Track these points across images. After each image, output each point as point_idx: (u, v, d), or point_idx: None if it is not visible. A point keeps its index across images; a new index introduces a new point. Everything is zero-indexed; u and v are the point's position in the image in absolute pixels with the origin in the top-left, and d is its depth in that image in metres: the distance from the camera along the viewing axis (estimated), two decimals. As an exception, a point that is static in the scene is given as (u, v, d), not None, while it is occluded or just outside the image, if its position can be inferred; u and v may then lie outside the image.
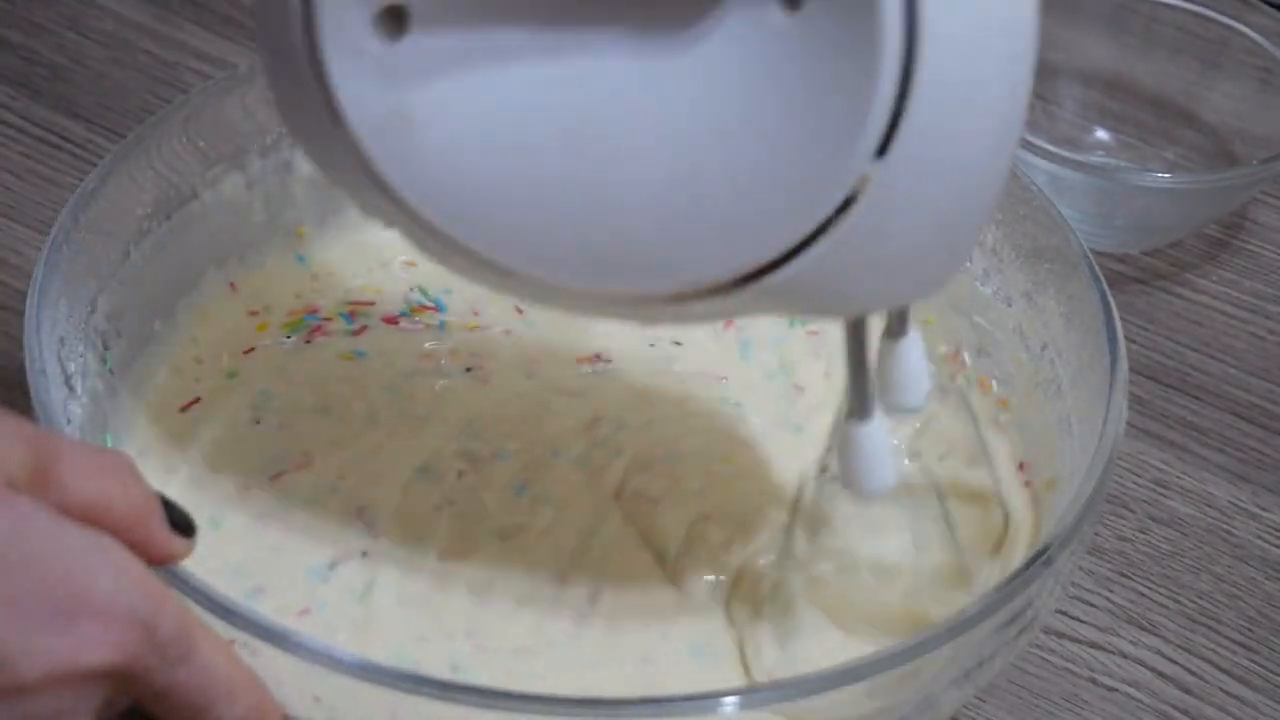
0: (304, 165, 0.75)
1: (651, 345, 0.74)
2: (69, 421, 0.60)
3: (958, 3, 0.47)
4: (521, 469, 0.68)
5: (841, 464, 0.58)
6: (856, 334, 0.56)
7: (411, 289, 0.76)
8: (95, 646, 0.46)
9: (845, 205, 0.48)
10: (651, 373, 0.73)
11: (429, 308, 0.75)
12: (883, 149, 0.48)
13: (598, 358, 0.74)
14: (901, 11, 0.46)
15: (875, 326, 0.57)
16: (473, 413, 0.71)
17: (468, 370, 0.72)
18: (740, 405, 0.72)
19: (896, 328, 0.57)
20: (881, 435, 0.57)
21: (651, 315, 0.55)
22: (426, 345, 0.73)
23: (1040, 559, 0.57)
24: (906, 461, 0.65)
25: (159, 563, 0.50)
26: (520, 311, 0.75)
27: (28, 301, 0.61)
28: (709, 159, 0.49)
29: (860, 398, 0.57)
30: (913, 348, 0.58)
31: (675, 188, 0.50)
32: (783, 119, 0.48)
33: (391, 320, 0.74)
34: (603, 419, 0.71)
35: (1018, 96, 0.50)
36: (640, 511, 0.67)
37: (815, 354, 0.75)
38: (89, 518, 0.48)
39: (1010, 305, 0.72)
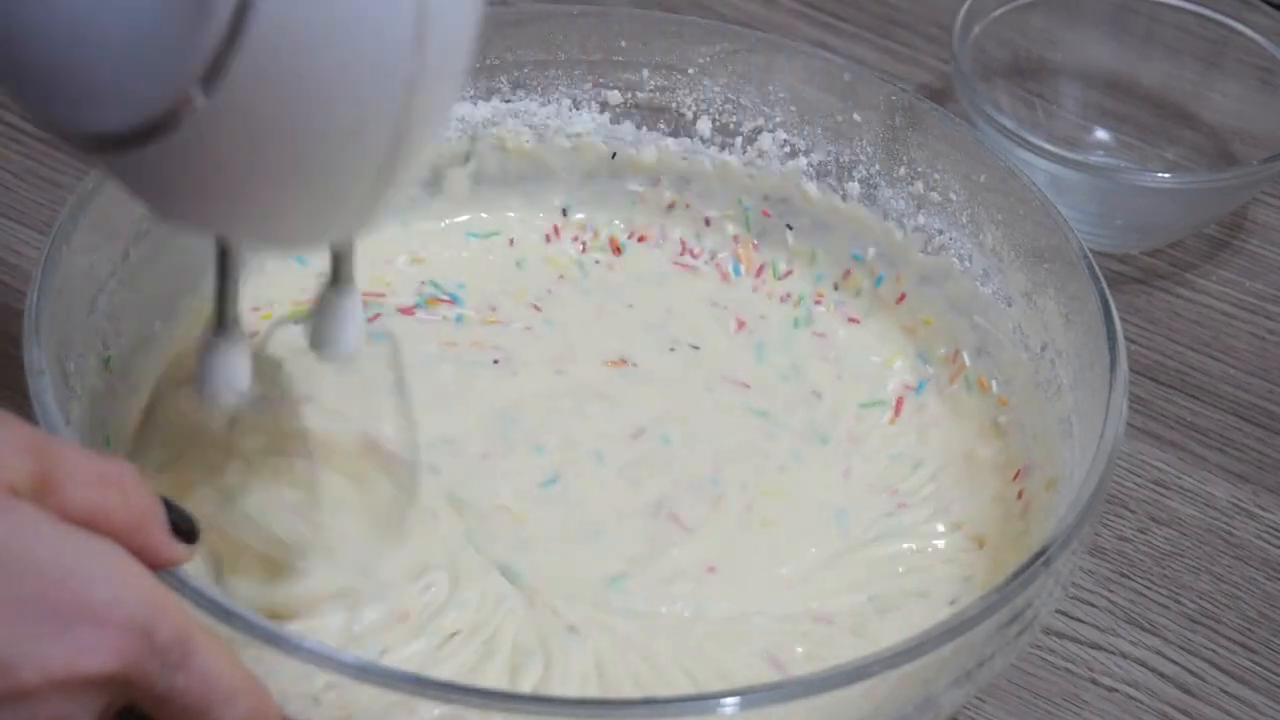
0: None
1: (672, 350, 0.75)
2: (68, 421, 0.60)
3: None
4: (556, 465, 0.69)
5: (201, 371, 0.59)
6: (222, 252, 0.57)
7: (424, 283, 0.76)
8: (94, 653, 0.46)
9: (173, 120, 0.48)
10: (677, 378, 0.74)
11: (444, 300, 0.75)
12: (210, 78, 0.47)
13: (623, 361, 0.74)
14: None
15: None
16: (507, 401, 0.71)
17: (495, 362, 0.72)
18: (768, 415, 0.73)
19: (332, 273, 0.59)
20: (237, 354, 0.58)
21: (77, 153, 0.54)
22: (446, 334, 0.74)
23: (1040, 559, 0.57)
24: None
25: (160, 567, 0.50)
26: (538, 309, 0.75)
27: (27, 301, 0.61)
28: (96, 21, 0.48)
29: (219, 311, 0.58)
30: (345, 299, 0.60)
31: (71, 37, 0.49)
32: (133, 17, 0.48)
33: (407, 310, 0.75)
34: (646, 431, 0.71)
35: (408, 64, 0.48)
36: (665, 533, 0.67)
37: (823, 356, 0.76)
38: (90, 524, 0.48)
39: (1010, 305, 0.72)
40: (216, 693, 0.50)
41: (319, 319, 0.60)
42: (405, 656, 0.61)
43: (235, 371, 0.59)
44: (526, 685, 0.61)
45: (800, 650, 0.63)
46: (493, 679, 0.60)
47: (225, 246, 0.57)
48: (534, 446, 0.70)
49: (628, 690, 0.61)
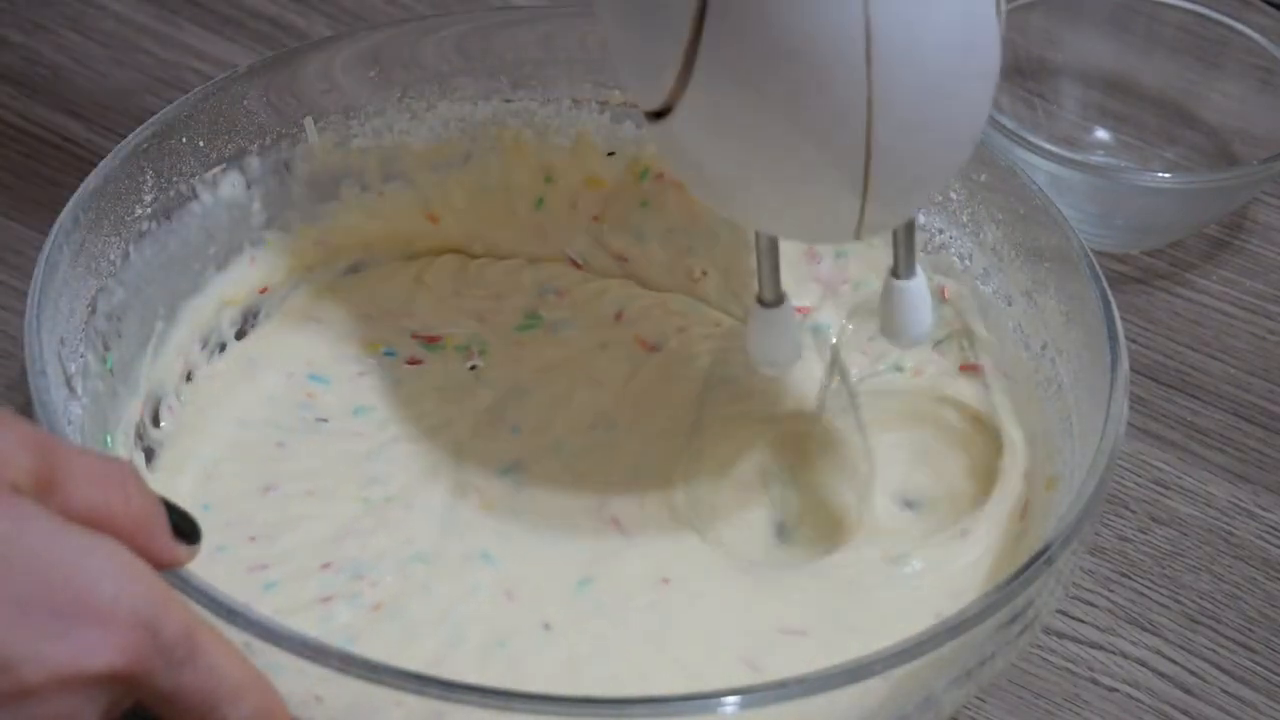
0: (303, 166, 0.75)
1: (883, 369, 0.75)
2: (69, 423, 0.60)
3: None
4: (519, 452, 0.70)
5: (750, 339, 0.68)
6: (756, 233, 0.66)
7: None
8: (98, 650, 0.46)
9: (667, 108, 0.59)
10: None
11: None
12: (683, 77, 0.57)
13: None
14: None
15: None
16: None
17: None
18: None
19: (897, 268, 0.65)
20: (787, 318, 0.67)
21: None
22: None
23: (1042, 557, 0.57)
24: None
25: (162, 568, 0.50)
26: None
27: (28, 302, 0.61)
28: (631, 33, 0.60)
29: (761, 285, 0.67)
30: (908, 291, 0.65)
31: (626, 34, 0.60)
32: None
33: None
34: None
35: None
36: (608, 539, 0.67)
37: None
38: (92, 524, 0.48)
39: (1010, 304, 0.72)
40: (223, 690, 0.50)
41: (886, 308, 0.66)
42: (371, 645, 0.61)
43: (780, 342, 0.68)
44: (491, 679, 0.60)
45: (777, 659, 0.63)
46: (458, 671, 0.60)
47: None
48: (512, 427, 0.71)
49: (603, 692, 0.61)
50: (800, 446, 0.70)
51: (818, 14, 0.54)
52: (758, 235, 0.66)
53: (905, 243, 0.64)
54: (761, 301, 0.67)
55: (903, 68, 0.55)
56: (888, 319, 0.66)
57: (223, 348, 0.73)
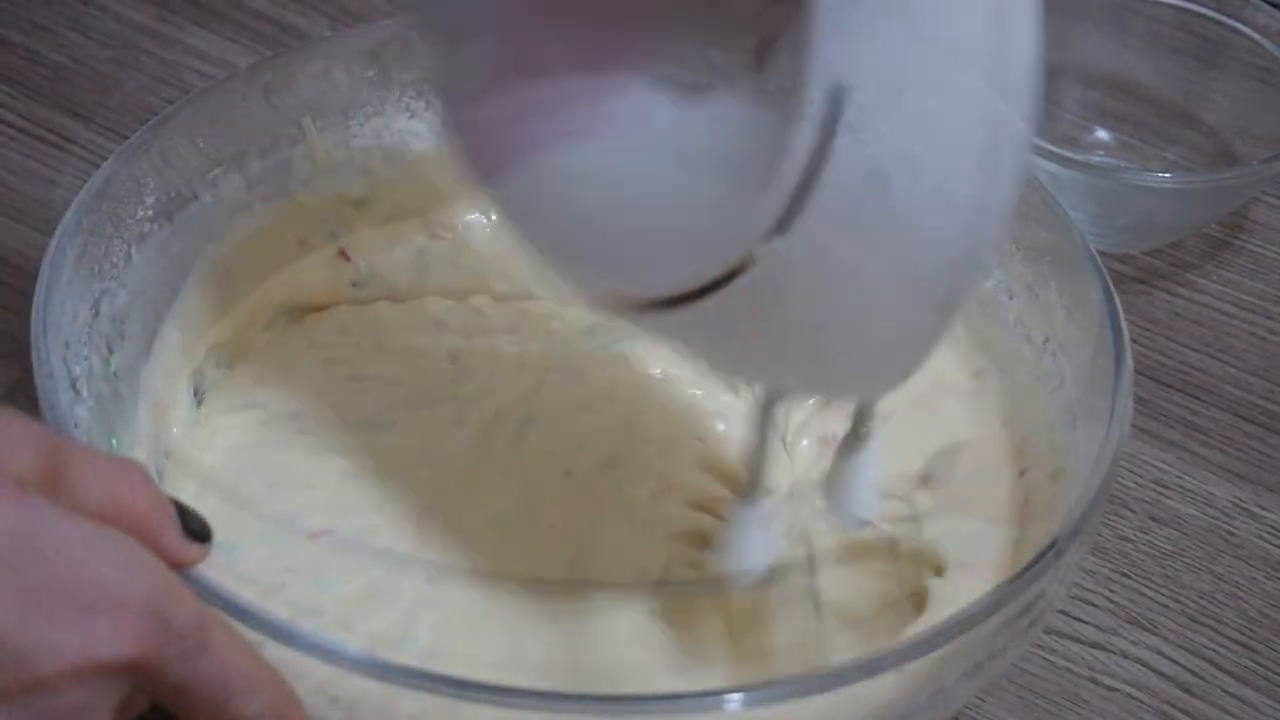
0: (302, 167, 0.75)
1: None
2: (76, 425, 0.60)
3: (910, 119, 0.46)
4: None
5: (723, 544, 0.58)
6: (764, 412, 0.57)
7: None
8: (112, 640, 0.46)
9: (730, 278, 0.48)
10: None
11: None
12: (782, 227, 0.47)
13: None
14: (823, 112, 0.45)
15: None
16: None
17: None
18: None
19: (850, 437, 0.58)
20: (762, 524, 0.58)
21: (623, 317, 0.55)
22: None
23: (1051, 550, 0.57)
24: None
25: (174, 568, 0.50)
26: None
27: (34, 304, 0.61)
28: (660, 199, 0.51)
29: (752, 475, 0.58)
30: (862, 465, 0.58)
31: (637, 215, 0.51)
32: (705, 180, 0.50)
33: None
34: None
35: (989, 198, 0.48)
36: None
37: None
38: (100, 521, 0.48)
39: (1012, 298, 0.72)
40: (235, 683, 0.49)
41: (834, 479, 0.59)
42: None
43: (758, 546, 0.58)
44: None
45: None
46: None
47: (771, 399, 0.56)
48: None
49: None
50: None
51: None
52: (769, 408, 0.57)
53: (872, 410, 0.58)
54: (744, 494, 0.58)
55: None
56: (835, 492, 0.60)
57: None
